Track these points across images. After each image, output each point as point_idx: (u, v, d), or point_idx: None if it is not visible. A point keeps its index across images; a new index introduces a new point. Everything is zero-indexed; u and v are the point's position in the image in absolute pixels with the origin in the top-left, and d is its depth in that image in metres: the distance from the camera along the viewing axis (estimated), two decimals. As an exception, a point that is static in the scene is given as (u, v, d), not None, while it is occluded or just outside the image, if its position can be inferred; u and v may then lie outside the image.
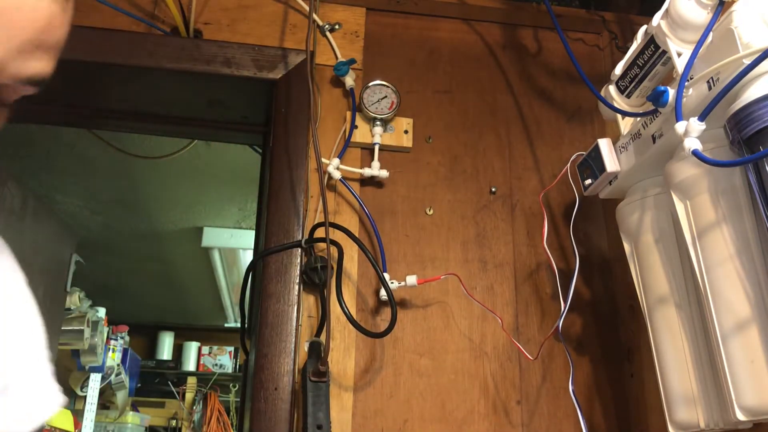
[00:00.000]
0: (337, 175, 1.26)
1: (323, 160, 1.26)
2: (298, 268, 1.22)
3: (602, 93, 1.11)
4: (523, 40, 1.51)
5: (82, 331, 3.02)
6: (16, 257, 0.62)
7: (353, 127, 1.32)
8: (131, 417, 3.89)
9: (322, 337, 1.14)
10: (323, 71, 1.37)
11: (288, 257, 1.23)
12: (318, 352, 1.14)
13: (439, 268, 1.30)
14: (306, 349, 1.17)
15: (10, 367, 0.60)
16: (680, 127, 0.85)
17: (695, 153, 0.83)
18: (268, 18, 1.40)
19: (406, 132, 1.35)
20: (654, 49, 0.98)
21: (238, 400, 4.19)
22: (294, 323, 1.18)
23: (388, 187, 1.34)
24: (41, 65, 0.51)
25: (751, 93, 0.82)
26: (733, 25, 0.84)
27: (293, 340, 1.17)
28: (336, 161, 1.27)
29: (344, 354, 1.21)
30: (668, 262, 1.04)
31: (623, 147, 1.11)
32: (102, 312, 3.30)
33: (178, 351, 4.78)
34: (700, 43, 0.88)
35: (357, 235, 1.25)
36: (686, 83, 0.88)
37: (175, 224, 3.30)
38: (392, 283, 1.21)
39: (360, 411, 1.19)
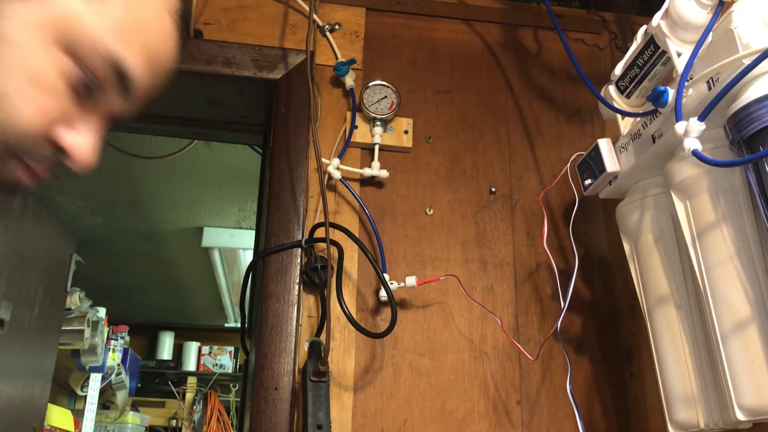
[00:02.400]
0: (337, 175, 1.26)
1: (323, 160, 1.26)
2: (298, 268, 1.22)
3: (602, 93, 1.11)
4: (523, 40, 1.51)
5: (82, 331, 3.01)
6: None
7: (353, 127, 1.32)
8: (131, 417, 3.89)
9: (322, 337, 1.14)
10: (323, 71, 1.37)
11: (288, 257, 1.23)
12: (318, 352, 1.14)
13: (439, 268, 1.30)
14: (306, 349, 1.17)
15: None
16: (680, 127, 0.85)
17: (695, 153, 0.83)
18: (268, 18, 1.40)
19: (406, 132, 1.35)
20: (654, 49, 0.98)
21: (238, 400, 4.20)
22: (294, 323, 1.18)
23: (388, 187, 1.34)
24: (134, 60, 0.51)
25: (750, 93, 0.82)
26: (733, 25, 0.84)
27: (293, 340, 1.17)
28: (336, 161, 1.27)
29: (344, 354, 1.21)
30: (668, 262, 1.04)
31: (623, 147, 1.11)
32: (102, 312, 3.30)
33: (178, 351, 4.78)
34: (700, 43, 0.88)
35: (357, 235, 1.25)
36: (686, 83, 0.88)
37: (175, 224, 3.30)
38: (392, 283, 1.21)
39: (360, 411, 1.19)
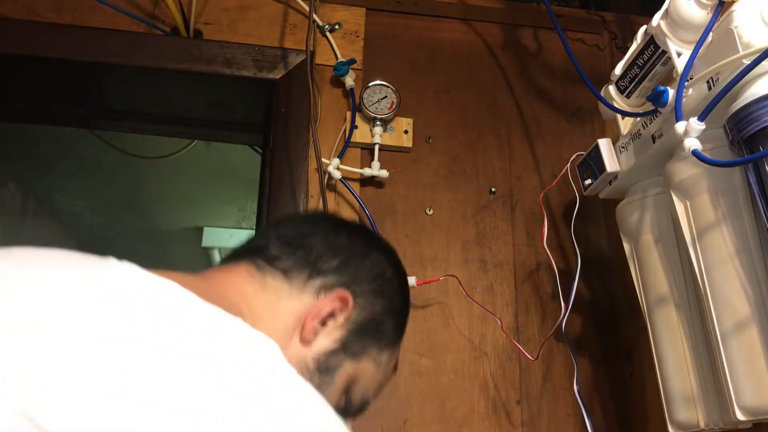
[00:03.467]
0: (337, 175, 1.26)
1: (323, 160, 1.26)
2: (298, 268, 1.22)
3: (602, 93, 1.11)
4: (523, 40, 1.51)
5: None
6: None
7: (353, 127, 1.32)
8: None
9: (322, 337, 1.14)
10: (323, 71, 1.37)
11: (288, 257, 1.22)
12: (318, 352, 1.14)
13: (439, 268, 1.30)
14: (306, 349, 1.17)
15: None
16: (680, 127, 0.85)
17: (695, 153, 0.83)
18: (268, 18, 1.40)
19: (406, 132, 1.35)
20: (654, 49, 0.98)
21: (238, 400, 4.19)
22: (294, 323, 1.18)
23: (388, 187, 1.34)
24: (372, 398, 0.77)
25: (751, 93, 0.82)
26: (733, 24, 0.84)
27: (293, 340, 1.17)
28: (336, 161, 1.27)
29: (344, 354, 1.20)
30: (668, 262, 1.04)
31: (623, 147, 1.11)
32: (102, 312, 3.30)
33: (179, 351, 4.78)
34: (700, 43, 0.88)
35: (357, 235, 1.24)
36: (686, 83, 0.88)
37: (176, 224, 3.30)
38: (392, 283, 1.21)
39: (360, 411, 1.19)
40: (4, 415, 0.41)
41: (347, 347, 0.71)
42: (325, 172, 1.25)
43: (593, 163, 1.15)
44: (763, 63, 0.79)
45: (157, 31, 1.35)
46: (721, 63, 0.84)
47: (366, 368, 0.73)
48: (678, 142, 0.87)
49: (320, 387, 0.69)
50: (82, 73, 1.36)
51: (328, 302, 0.70)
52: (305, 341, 0.68)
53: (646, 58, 1.00)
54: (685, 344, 1.00)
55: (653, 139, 1.02)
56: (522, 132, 1.44)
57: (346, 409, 0.74)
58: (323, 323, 0.69)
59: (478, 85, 1.46)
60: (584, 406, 1.14)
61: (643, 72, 1.02)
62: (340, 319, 0.71)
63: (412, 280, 1.22)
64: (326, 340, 0.69)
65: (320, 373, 0.69)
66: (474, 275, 1.31)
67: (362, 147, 1.33)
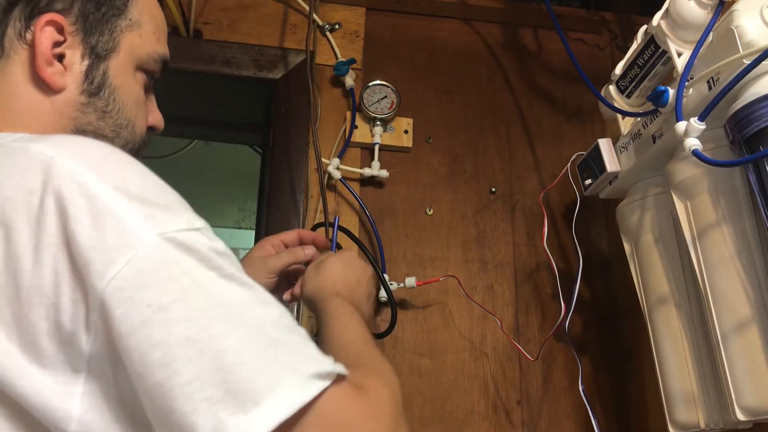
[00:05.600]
0: (337, 175, 1.26)
1: (323, 160, 1.26)
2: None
3: (602, 93, 1.11)
4: (523, 40, 1.51)
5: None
6: None
7: (353, 127, 1.32)
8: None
9: (322, 337, 1.13)
10: (323, 71, 1.37)
11: (288, 257, 1.22)
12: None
13: (439, 268, 1.30)
14: (306, 349, 1.17)
15: None
16: (680, 127, 0.85)
17: (695, 153, 0.83)
18: (268, 18, 1.40)
19: (406, 132, 1.35)
20: (654, 49, 0.98)
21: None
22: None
23: (388, 187, 1.33)
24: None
25: (751, 93, 0.82)
26: (734, 24, 0.84)
27: (293, 340, 1.17)
28: (336, 161, 1.27)
29: (344, 354, 1.20)
30: (668, 262, 1.04)
31: (623, 147, 1.11)
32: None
33: (178, 351, 4.77)
34: (700, 43, 0.88)
35: (357, 235, 1.24)
36: (686, 83, 0.88)
37: (175, 224, 3.30)
38: (392, 284, 1.21)
39: (360, 411, 1.19)
40: None
41: (98, 51, 0.62)
42: (325, 171, 1.25)
43: (593, 163, 1.15)
44: (763, 63, 0.79)
45: (157, 30, 1.35)
46: (721, 63, 0.84)
47: (132, 41, 0.66)
48: (678, 142, 0.87)
49: (111, 101, 0.63)
50: (82, 73, 1.36)
51: (41, 40, 0.59)
52: (60, 88, 0.60)
53: (646, 57, 1.00)
54: (685, 344, 1.00)
55: (653, 139, 1.02)
56: (522, 132, 1.44)
57: (153, 78, 0.70)
58: (59, 59, 0.60)
59: (478, 85, 1.46)
60: (589, 406, 1.14)
61: (643, 72, 1.02)
62: (68, 38, 0.61)
63: (412, 281, 1.22)
64: (75, 67, 0.61)
65: (98, 95, 0.62)
66: (474, 275, 1.31)
67: (362, 147, 1.33)
